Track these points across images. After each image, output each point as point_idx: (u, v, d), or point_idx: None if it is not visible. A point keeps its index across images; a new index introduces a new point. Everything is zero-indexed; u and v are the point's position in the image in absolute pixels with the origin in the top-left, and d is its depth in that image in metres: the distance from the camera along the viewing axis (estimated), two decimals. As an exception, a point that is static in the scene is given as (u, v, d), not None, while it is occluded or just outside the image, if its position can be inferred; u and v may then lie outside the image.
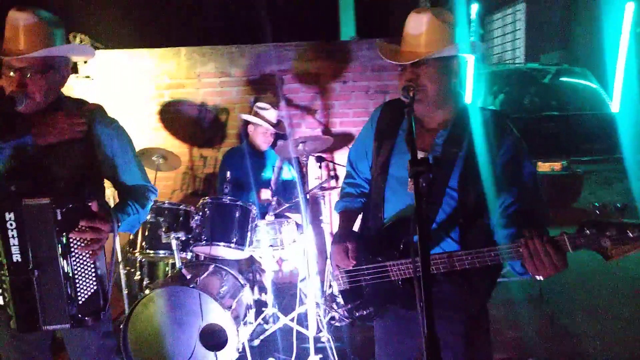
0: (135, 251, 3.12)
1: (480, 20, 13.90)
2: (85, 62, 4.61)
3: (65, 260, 1.64)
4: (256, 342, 3.38)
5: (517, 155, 1.67)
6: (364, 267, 1.84)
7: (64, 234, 1.61)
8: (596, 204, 1.35)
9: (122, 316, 3.47)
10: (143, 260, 3.48)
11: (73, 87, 4.62)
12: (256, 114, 3.78)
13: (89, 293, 1.70)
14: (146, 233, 3.10)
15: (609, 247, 1.31)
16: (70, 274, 1.65)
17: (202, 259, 3.41)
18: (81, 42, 4.51)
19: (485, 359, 1.83)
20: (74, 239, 1.64)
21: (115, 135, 1.92)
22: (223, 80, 4.60)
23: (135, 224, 1.94)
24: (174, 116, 4.64)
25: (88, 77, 4.64)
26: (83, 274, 1.68)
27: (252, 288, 3.67)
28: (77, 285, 1.67)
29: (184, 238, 2.98)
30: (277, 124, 3.89)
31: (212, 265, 3.22)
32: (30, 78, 1.68)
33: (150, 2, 4.99)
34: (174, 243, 2.94)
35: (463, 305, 1.75)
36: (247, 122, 3.91)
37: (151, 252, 3.10)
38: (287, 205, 3.29)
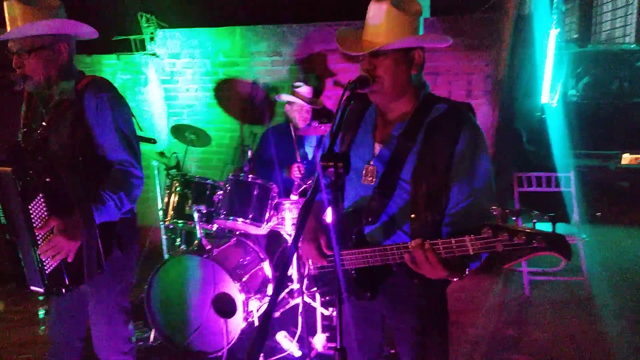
0: (167, 219, 3.38)
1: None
2: (152, 39, 4.96)
3: (29, 232, 1.73)
4: (277, 314, 3.53)
5: (472, 150, 1.59)
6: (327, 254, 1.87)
7: (27, 206, 1.72)
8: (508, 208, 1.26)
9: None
10: (182, 227, 3.74)
11: (141, 64, 5.01)
12: (292, 93, 3.86)
13: (52, 267, 1.80)
14: (175, 204, 3.34)
15: (502, 252, 1.23)
16: (34, 245, 1.75)
17: (229, 232, 3.58)
18: (147, 21, 4.85)
19: (440, 354, 1.79)
20: (35, 221, 1.74)
21: (97, 105, 1.92)
22: (274, 59, 4.71)
23: (113, 214, 1.91)
24: (228, 94, 4.85)
25: (154, 54, 4.99)
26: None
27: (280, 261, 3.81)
28: (42, 256, 1.77)
29: (205, 211, 3.18)
30: (313, 101, 3.93)
31: (234, 238, 3.40)
32: (26, 59, 1.87)
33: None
34: (195, 215, 3.15)
35: (416, 298, 1.73)
36: (287, 102, 4.00)
37: (180, 221, 3.34)
38: (307, 184, 3.35)
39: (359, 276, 1.75)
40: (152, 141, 3.11)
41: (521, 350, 3.23)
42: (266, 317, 1.18)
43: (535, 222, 1.19)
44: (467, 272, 1.44)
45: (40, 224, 1.75)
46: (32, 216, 1.73)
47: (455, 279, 1.48)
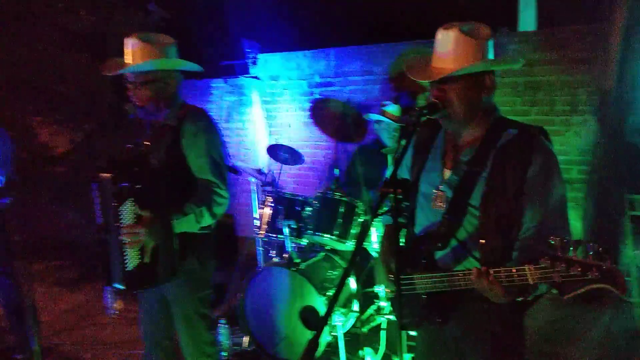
0: (261, 232, 3.61)
1: None
2: (254, 63, 5.33)
3: (118, 230, 1.97)
4: (364, 330, 3.58)
5: (544, 176, 1.56)
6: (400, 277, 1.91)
7: (119, 207, 1.97)
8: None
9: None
10: (275, 240, 3.96)
11: (245, 86, 5.40)
12: (381, 112, 3.93)
13: (135, 264, 2.00)
14: (268, 218, 3.56)
15: (560, 283, 1.19)
16: (120, 243, 1.98)
17: (319, 246, 3.72)
18: (250, 47, 5.23)
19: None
20: (124, 221, 1.98)
21: (194, 131, 2.16)
22: (367, 79, 4.82)
23: (192, 225, 2.11)
24: (323, 112, 5.03)
25: (256, 77, 5.35)
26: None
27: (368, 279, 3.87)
28: (125, 253, 1.99)
29: (294, 226, 3.35)
30: (401, 119, 3.96)
31: (323, 253, 3.53)
32: (139, 90, 2.15)
33: (306, 6, 5.43)
34: (285, 229, 3.33)
35: (487, 324, 1.71)
36: (376, 121, 4.08)
37: (272, 234, 3.55)
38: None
39: (429, 300, 1.77)
40: (234, 171, 3.38)
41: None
42: (321, 326, 1.26)
43: (592, 253, 1.15)
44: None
45: (128, 224, 1.99)
46: (120, 216, 1.98)
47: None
